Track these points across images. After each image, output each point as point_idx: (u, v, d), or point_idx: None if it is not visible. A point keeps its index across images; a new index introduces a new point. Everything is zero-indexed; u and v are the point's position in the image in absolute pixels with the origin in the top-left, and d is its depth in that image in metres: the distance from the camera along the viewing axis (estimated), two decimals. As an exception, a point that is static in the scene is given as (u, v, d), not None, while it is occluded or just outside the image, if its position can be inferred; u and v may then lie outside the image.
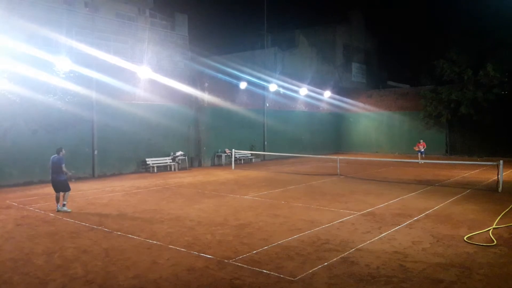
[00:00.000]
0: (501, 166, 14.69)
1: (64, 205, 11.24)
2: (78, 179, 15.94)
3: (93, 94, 18.48)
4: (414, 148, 25.38)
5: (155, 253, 7.59)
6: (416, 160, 23.54)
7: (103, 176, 18.72)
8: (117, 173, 19.42)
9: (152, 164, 20.52)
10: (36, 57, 16.17)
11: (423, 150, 24.99)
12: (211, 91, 23.76)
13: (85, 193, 14.38)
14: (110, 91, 18.89)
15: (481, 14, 27.49)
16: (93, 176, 18.47)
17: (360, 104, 34.04)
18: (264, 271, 6.66)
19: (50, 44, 17.03)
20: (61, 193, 11.30)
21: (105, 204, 12.37)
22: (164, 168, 21.04)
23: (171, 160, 21.41)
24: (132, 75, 19.85)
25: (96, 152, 18.67)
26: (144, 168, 20.55)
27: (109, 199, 13.20)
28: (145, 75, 20.19)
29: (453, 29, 29.74)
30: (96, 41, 18.86)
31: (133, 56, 20.32)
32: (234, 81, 25.12)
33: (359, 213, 10.87)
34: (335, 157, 22.05)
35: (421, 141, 25.56)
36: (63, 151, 11.38)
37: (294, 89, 29.01)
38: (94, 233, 9.02)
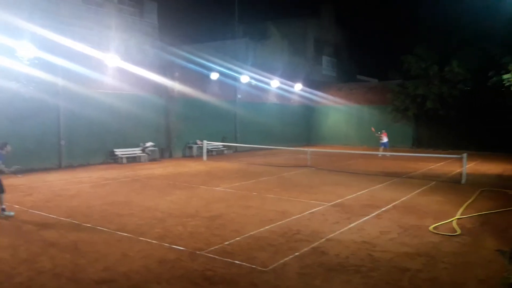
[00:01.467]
0: (464, 159, 15.30)
1: (3, 209, 9.37)
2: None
3: (59, 82, 17.87)
4: (373, 131, 25.66)
5: (125, 245, 7.47)
6: (377, 152, 23.93)
7: (70, 167, 18.20)
8: (85, 164, 18.93)
9: (121, 155, 20.11)
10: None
11: (386, 141, 25.31)
12: (182, 81, 23.45)
13: (52, 184, 13.95)
14: (77, 79, 18.31)
15: (448, 13, 28.35)
16: (59, 167, 17.93)
17: (330, 97, 34.52)
18: (236, 262, 6.68)
19: (11, 28, 16.25)
20: None
21: (72, 195, 12.05)
22: (133, 159, 20.68)
23: (140, 151, 21.06)
24: (99, 63, 19.31)
25: (62, 142, 18.11)
26: (112, 159, 20.12)
27: (76, 190, 12.86)
28: (113, 63, 19.69)
29: (421, 26, 30.53)
30: (61, 27, 18.14)
31: (100, 44, 19.71)
32: (205, 71, 24.87)
33: (329, 204, 11.05)
34: (305, 149, 22.29)
35: (383, 131, 25.80)
36: (8, 147, 9.59)
37: (265, 81, 29.04)
38: (61, 225, 8.77)
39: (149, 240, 7.76)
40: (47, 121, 17.59)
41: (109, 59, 19.47)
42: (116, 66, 19.84)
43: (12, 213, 9.48)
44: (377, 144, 25.81)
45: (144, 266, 6.50)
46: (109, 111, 19.84)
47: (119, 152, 20.10)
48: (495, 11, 19.98)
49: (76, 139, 18.64)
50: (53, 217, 9.42)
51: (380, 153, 23.93)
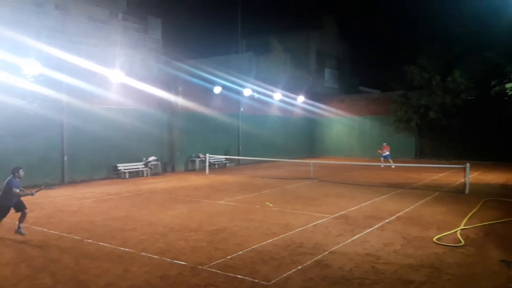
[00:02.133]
0: (467, 169, 15.21)
1: (19, 227, 9.25)
2: (48, 186, 15.42)
3: (63, 98, 18.03)
4: (379, 151, 25.74)
5: (127, 261, 7.44)
6: (380, 164, 23.73)
7: (73, 182, 18.24)
8: (88, 179, 18.97)
9: (124, 169, 20.15)
10: (2, 59, 15.66)
11: (387, 153, 25.18)
12: (185, 95, 23.59)
13: (54, 200, 13.98)
14: (81, 95, 18.47)
15: (450, 23, 28.47)
16: (62, 182, 17.98)
17: (333, 109, 34.57)
18: (239, 276, 6.64)
19: (18, 47, 16.51)
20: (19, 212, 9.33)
21: (75, 211, 12.06)
22: (136, 174, 20.71)
23: (143, 166, 21.09)
24: (104, 79, 19.48)
25: (66, 157, 18.20)
26: (115, 174, 20.16)
27: (79, 206, 12.88)
28: (117, 79, 19.86)
29: (423, 36, 30.66)
30: (67, 44, 18.40)
31: (105, 60, 19.93)
32: (209, 85, 25.02)
33: (332, 216, 10.99)
34: (308, 161, 22.26)
35: (385, 144, 25.72)
36: (21, 172, 9.20)
37: (268, 94, 29.15)
38: (63, 241, 8.77)
39: (151, 255, 7.74)
40: (50, 137, 17.69)
41: (114, 75, 19.65)
42: (120, 82, 20.01)
43: (24, 232, 9.18)
44: (379, 155, 25.57)
45: (146, 281, 6.47)
46: (113, 126, 19.95)
47: (122, 167, 20.15)
48: (498, 20, 20.06)
49: (79, 154, 18.71)
50: (55, 233, 9.42)
51: (392, 164, 23.47)
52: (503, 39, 21.23)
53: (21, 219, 9.28)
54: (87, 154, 19.00)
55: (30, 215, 11.34)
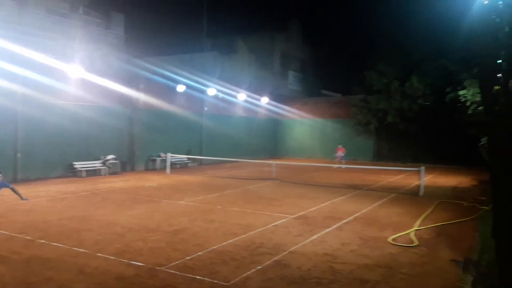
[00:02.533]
0: (422, 172, 15.84)
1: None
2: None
3: (18, 93, 17.23)
4: (334, 153, 26.81)
5: (82, 262, 7.21)
6: (335, 165, 24.59)
7: (26, 180, 17.45)
8: (43, 177, 18.22)
9: (81, 168, 19.50)
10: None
11: (342, 154, 26.39)
12: (147, 93, 23.13)
13: (5, 198, 13.26)
14: (37, 90, 17.72)
15: (408, 31, 29.50)
16: (15, 181, 17.10)
17: (296, 111, 35.07)
18: (198, 277, 6.58)
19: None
20: None
21: (28, 210, 11.54)
22: (93, 172, 20.09)
23: (101, 164, 20.50)
24: (62, 74, 18.76)
25: (19, 154, 17.38)
26: (72, 172, 19.47)
27: (32, 204, 12.32)
28: (76, 74, 19.20)
29: (383, 43, 31.65)
30: (23, 37, 17.60)
31: (64, 54, 19.20)
32: (172, 83, 24.66)
33: (292, 217, 11.12)
34: (271, 161, 22.41)
35: (340, 146, 27.03)
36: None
37: (232, 94, 29.14)
38: (14, 242, 8.37)
39: (107, 256, 7.53)
40: (3, 133, 16.87)
41: (73, 70, 18.98)
42: (79, 77, 19.35)
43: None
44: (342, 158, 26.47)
45: (101, 283, 6.30)
46: (70, 122, 19.26)
47: (78, 165, 19.49)
48: (454, 30, 20.97)
49: (34, 151, 17.94)
50: (4, 233, 8.97)
51: (335, 165, 24.50)
52: (458, 48, 22.20)
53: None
54: (42, 151, 18.26)
55: (-23, 214, 10.80)
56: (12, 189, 9.90)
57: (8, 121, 17.01)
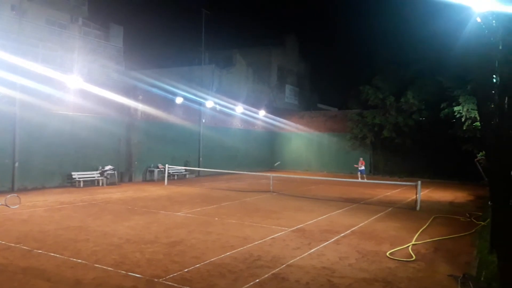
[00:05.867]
0: (419, 187, 15.91)
1: None
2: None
3: (16, 102, 17.28)
4: (355, 165, 27.02)
5: (79, 272, 7.18)
6: (358, 180, 24.52)
7: (24, 189, 17.38)
8: (40, 187, 18.16)
9: (79, 178, 19.46)
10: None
11: (363, 168, 26.55)
12: (146, 104, 23.23)
13: (2, 208, 13.25)
14: (36, 100, 17.77)
15: (405, 47, 29.91)
16: (12, 190, 17.06)
17: (292, 124, 35.27)
18: (196, 289, 6.57)
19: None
20: None
21: (24, 220, 11.50)
22: (91, 183, 20.04)
23: (99, 175, 20.46)
24: (61, 85, 18.85)
25: (17, 164, 17.35)
26: (69, 183, 19.42)
27: (29, 214, 12.28)
28: (75, 85, 19.28)
29: (379, 58, 32.06)
30: (22, 47, 17.74)
31: (63, 65, 19.36)
32: (170, 95, 24.80)
33: (290, 229, 11.13)
34: (268, 174, 22.45)
35: (361, 159, 27.29)
36: None
37: (230, 106, 29.34)
38: (10, 252, 8.33)
39: (105, 267, 7.50)
40: (1, 142, 16.85)
41: (71, 80, 19.07)
42: (78, 88, 19.43)
43: None
44: (336, 170, 26.59)
45: (99, 294, 6.27)
46: (69, 132, 19.30)
47: (76, 175, 19.45)
48: (449, 47, 21.28)
49: (32, 161, 17.93)
50: (1, 243, 8.92)
51: (362, 180, 24.35)
52: (453, 64, 22.51)
53: None
54: (40, 161, 18.25)
55: (-26, 224, 10.74)
56: None
57: (6, 130, 17.01)
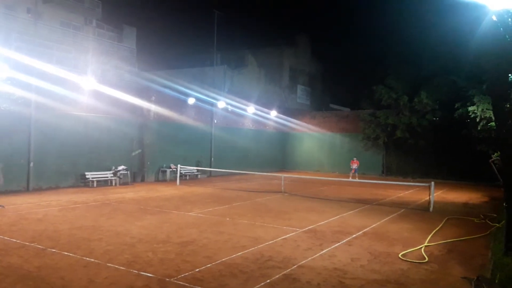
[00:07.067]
0: (432, 188, 15.72)
1: None
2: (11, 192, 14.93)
3: (31, 103, 17.56)
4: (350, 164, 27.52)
5: (92, 271, 7.27)
6: (349, 179, 24.57)
7: (38, 189, 17.66)
8: (54, 187, 18.42)
9: (92, 178, 19.69)
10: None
11: (356, 167, 26.91)
12: (158, 105, 23.40)
13: (18, 207, 13.48)
14: (50, 101, 18.02)
15: (419, 47, 29.58)
16: (27, 190, 17.37)
17: (304, 124, 35.16)
18: (207, 288, 6.59)
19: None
20: None
21: (39, 219, 11.68)
22: (104, 183, 20.27)
23: (112, 175, 20.68)
24: (75, 86, 19.10)
25: (32, 164, 17.63)
26: (83, 182, 19.67)
27: (44, 214, 12.47)
28: (88, 86, 19.51)
29: (393, 58, 31.74)
30: (37, 49, 18.05)
31: (77, 66, 19.65)
32: (182, 96, 24.94)
33: (301, 230, 11.10)
34: (280, 174, 22.42)
35: (355, 159, 27.61)
36: None
37: (242, 107, 29.37)
38: (25, 250, 8.47)
39: (117, 267, 7.58)
40: (17, 143, 17.14)
41: (85, 81, 19.31)
42: (91, 88, 19.67)
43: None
44: (348, 171, 26.85)
45: (111, 293, 6.33)
46: (82, 133, 19.54)
47: (90, 175, 19.68)
48: (464, 46, 20.98)
49: (47, 161, 18.19)
50: (16, 242, 9.08)
51: (353, 179, 24.47)
52: (468, 64, 22.16)
53: None
54: (54, 161, 18.51)
55: (-10, 222, 10.94)
56: None
57: (21, 131, 17.29)
